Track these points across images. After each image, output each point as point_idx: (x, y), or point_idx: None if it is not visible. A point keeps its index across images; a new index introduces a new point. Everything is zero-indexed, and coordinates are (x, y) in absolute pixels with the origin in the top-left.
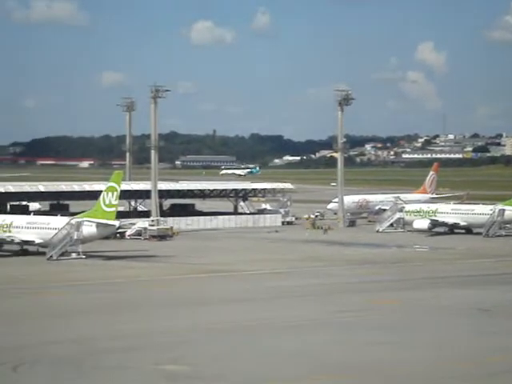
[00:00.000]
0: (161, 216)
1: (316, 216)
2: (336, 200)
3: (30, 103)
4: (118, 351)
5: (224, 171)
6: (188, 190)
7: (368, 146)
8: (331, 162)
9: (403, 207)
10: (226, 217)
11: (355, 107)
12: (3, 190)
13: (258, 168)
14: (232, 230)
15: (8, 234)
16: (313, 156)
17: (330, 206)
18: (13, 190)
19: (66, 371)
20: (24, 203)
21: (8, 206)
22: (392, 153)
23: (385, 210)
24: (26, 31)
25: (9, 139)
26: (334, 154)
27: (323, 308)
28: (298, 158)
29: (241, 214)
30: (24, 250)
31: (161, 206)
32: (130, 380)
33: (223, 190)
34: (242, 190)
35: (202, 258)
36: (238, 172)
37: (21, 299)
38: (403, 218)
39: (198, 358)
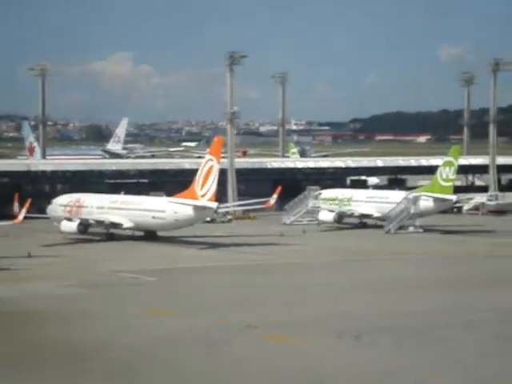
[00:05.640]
0: (499, 191)
1: None
2: None
3: (370, 80)
4: (457, 325)
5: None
6: None
7: None
8: None
9: None
10: None
11: None
12: (344, 165)
13: None
14: None
15: (348, 208)
16: None
17: None
18: (353, 165)
19: (407, 342)
20: (363, 178)
21: (348, 181)
22: None
23: None
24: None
25: (349, 116)
26: None
27: None
28: None
29: None
30: (363, 223)
31: (499, 180)
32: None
33: None
34: None
35: None
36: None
37: (358, 271)
38: None
39: None
